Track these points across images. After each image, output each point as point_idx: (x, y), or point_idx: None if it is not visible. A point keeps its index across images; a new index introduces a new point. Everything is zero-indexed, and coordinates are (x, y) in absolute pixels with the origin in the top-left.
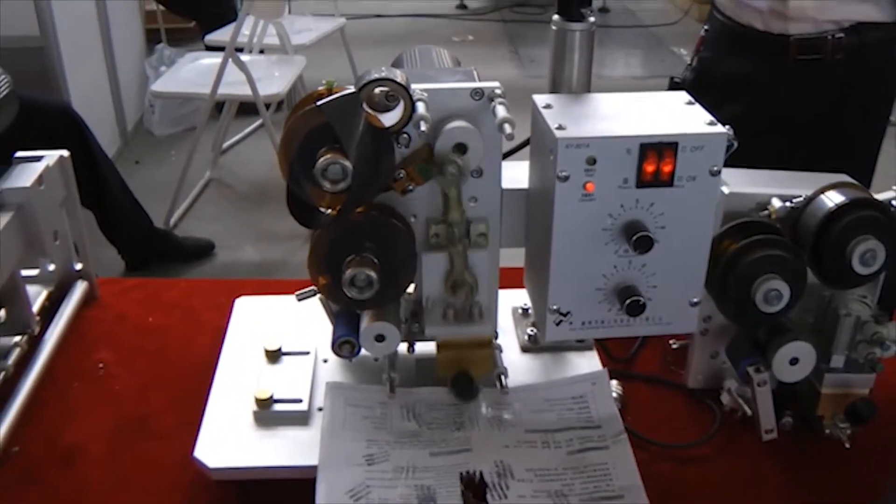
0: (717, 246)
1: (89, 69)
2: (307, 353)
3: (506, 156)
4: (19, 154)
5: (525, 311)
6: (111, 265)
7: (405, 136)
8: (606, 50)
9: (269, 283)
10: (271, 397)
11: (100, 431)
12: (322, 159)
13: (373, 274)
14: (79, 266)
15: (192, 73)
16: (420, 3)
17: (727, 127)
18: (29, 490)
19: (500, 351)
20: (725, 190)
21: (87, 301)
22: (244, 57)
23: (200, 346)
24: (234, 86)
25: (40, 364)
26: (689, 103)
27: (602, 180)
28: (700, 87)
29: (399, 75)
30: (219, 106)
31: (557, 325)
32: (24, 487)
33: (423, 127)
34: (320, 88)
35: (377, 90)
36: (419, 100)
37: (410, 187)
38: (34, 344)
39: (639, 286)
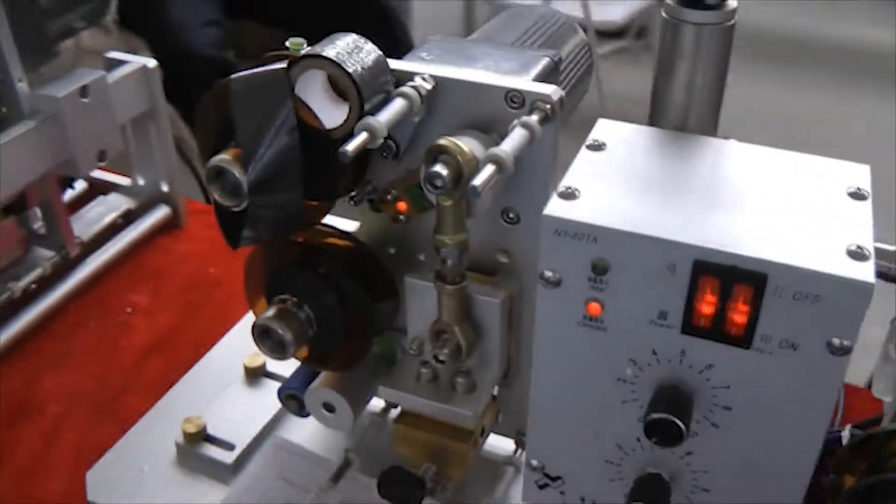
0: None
1: None
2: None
3: None
4: (113, 54)
5: None
6: None
7: (391, 144)
8: None
9: None
10: (202, 431)
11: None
12: (215, 159)
13: (287, 335)
14: (165, 188)
15: None
16: None
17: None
18: None
19: None
20: None
21: (167, 228)
22: None
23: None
24: None
25: (64, 289)
26: (857, 196)
27: (620, 303)
28: None
29: (349, 47)
30: None
31: (541, 488)
32: None
33: (364, 140)
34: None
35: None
36: (401, 95)
37: (401, 216)
38: (68, 266)
39: (679, 480)
